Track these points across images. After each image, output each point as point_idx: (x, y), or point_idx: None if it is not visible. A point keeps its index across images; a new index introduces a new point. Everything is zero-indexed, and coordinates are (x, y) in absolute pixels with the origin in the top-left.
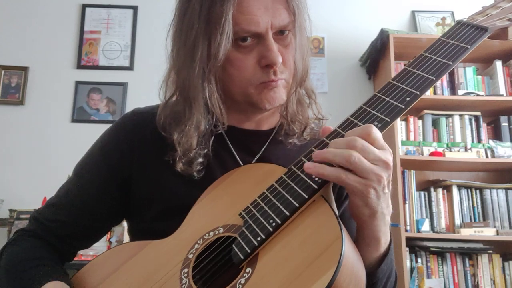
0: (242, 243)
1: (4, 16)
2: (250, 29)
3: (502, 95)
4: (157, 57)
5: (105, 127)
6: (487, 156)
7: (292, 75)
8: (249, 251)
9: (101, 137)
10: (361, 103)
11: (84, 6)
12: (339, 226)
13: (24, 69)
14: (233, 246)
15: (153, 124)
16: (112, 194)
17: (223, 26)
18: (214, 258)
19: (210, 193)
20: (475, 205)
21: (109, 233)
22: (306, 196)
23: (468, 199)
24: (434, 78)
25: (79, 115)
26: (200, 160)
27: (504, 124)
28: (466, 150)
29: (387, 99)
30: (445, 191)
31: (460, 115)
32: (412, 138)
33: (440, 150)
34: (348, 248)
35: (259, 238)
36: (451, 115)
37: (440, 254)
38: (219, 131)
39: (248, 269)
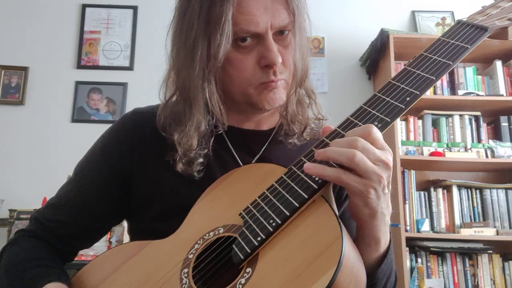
0: (242, 243)
1: (4, 16)
2: (249, 29)
3: (502, 95)
4: (157, 57)
5: (105, 127)
6: (487, 156)
7: (291, 75)
8: (249, 251)
9: (101, 137)
10: (361, 103)
11: (84, 6)
12: (339, 226)
13: (24, 69)
14: (233, 246)
15: (153, 124)
16: (113, 194)
17: (223, 26)
18: (214, 258)
19: (210, 193)
20: (475, 205)
21: (109, 233)
22: (306, 196)
23: (468, 199)
24: (434, 78)
25: (79, 115)
26: (201, 160)
27: (504, 124)
28: (466, 150)
29: (387, 99)
30: (445, 191)
31: (460, 115)
32: (412, 138)
33: (440, 150)
34: (348, 248)
35: (259, 238)
36: (451, 115)
37: (440, 254)
38: (219, 131)
39: (248, 269)
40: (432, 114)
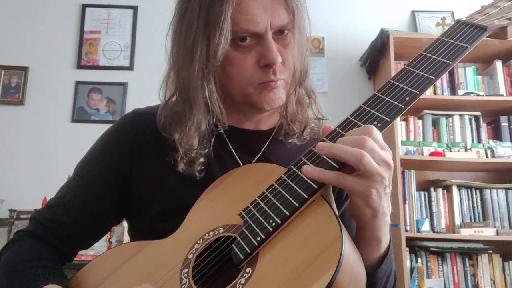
0: (242, 243)
1: (4, 16)
2: (249, 28)
3: (502, 95)
4: (157, 57)
5: (105, 127)
6: (487, 156)
7: (291, 75)
8: (249, 251)
9: (101, 137)
10: (361, 103)
11: (84, 6)
12: (339, 226)
13: (24, 69)
14: (233, 246)
15: (153, 124)
16: (112, 194)
17: (222, 25)
18: (214, 258)
19: (210, 193)
20: (475, 205)
21: (109, 233)
22: (306, 196)
23: (468, 199)
24: (434, 78)
25: (79, 115)
26: (202, 160)
27: (504, 124)
28: (466, 150)
29: (387, 98)
30: (445, 191)
31: (460, 115)
32: (412, 138)
33: (440, 150)
34: (348, 248)
35: (259, 238)
36: (451, 115)
37: (440, 254)
38: (220, 131)
39: (248, 269)
40: (432, 114)
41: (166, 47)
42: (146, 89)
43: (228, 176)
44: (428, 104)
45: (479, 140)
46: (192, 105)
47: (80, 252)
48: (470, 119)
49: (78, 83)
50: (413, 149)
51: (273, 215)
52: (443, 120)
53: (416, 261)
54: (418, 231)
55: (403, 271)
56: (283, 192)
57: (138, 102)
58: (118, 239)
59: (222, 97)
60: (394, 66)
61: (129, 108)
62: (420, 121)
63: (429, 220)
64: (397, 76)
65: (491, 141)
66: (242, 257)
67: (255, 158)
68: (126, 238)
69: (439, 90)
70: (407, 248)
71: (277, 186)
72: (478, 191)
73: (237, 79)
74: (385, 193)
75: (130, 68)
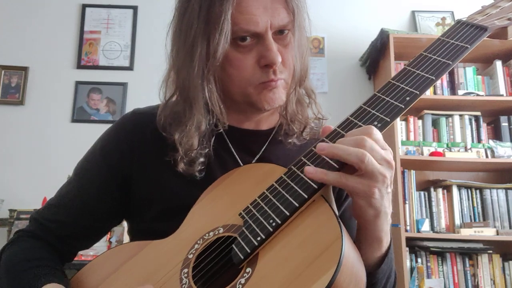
0: (242, 243)
1: (4, 16)
2: (249, 28)
3: (502, 95)
4: (157, 57)
5: (105, 127)
6: (487, 156)
7: (291, 75)
8: (249, 251)
9: (101, 137)
10: (361, 103)
11: (84, 6)
12: (339, 226)
13: (24, 69)
14: (233, 246)
15: (153, 124)
16: (112, 194)
17: (222, 25)
18: (214, 258)
19: (210, 193)
20: (475, 205)
21: (109, 233)
22: (306, 196)
23: (468, 199)
24: (434, 78)
25: (79, 115)
26: (202, 160)
27: (504, 124)
28: (466, 150)
29: (387, 98)
30: (445, 191)
31: (460, 115)
32: (412, 138)
33: (440, 150)
34: (348, 248)
35: (259, 238)
36: (451, 115)
37: (440, 254)
38: (219, 131)
39: (248, 269)
40: (432, 114)
41: (166, 47)
42: (146, 89)
43: (228, 176)
44: (428, 104)
45: (479, 140)
46: (192, 105)
47: (80, 252)
48: (470, 119)
49: (78, 83)
50: (413, 149)
51: (273, 215)
52: (443, 120)
53: (416, 261)
54: (418, 231)
55: (403, 271)
56: (283, 192)
57: (138, 102)
58: (118, 239)
59: (222, 97)
60: (394, 66)
61: (129, 108)
62: (420, 121)
63: (429, 220)
64: (397, 76)
65: (491, 141)
66: (242, 257)
67: (255, 158)
68: (126, 238)
69: (439, 90)
70: (407, 248)
71: (277, 186)
72: (478, 191)
73: (237, 79)
74: (387, 192)
75: (130, 68)
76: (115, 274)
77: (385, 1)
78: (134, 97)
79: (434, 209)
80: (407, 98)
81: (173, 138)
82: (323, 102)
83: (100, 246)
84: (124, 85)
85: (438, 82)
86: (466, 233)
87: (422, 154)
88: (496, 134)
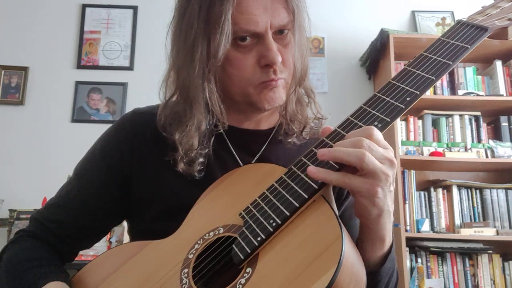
0: (242, 243)
1: (4, 16)
2: (249, 28)
3: (502, 95)
4: (157, 57)
5: (105, 127)
6: (487, 156)
7: (291, 74)
8: (249, 251)
9: (101, 137)
10: (361, 103)
11: (84, 6)
12: (339, 226)
13: (24, 69)
14: (233, 246)
15: (153, 124)
16: (113, 194)
17: (222, 25)
18: (214, 258)
19: (210, 193)
20: (475, 205)
21: (109, 233)
22: (306, 196)
23: (468, 199)
24: (434, 78)
25: (79, 115)
26: (201, 160)
27: (504, 124)
28: (466, 150)
29: (387, 99)
30: (445, 191)
31: (460, 115)
32: (412, 138)
33: (440, 150)
34: (348, 248)
35: (259, 238)
36: (451, 115)
37: (440, 254)
38: (219, 131)
39: (248, 269)
40: (432, 114)
41: (166, 47)
42: (146, 89)
43: (228, 176)
44: (428, 104)
45: (479, 140)
46: (193, 105)
47: (80, 252)
48: (470, 119)
49: (78, 83)
50: (413, 149)
51: (273, 215)
52: (443, 120)
53: (416, 261)
54: (418, 231)
55: (403, 271)
56: (284, 192)
57: (138, 102)
58: (118, 239)
59: (222, 97)
60: (394, 66)
61: (129, 108)
62: (420, 121)
63: (429, 220)
64: (397, 77)
65: (491, 141)
66: (242, 257)
67: (255, 158)
68: (126, 238)
69: (439, 90)
70: (407, 248)
71: (278, 187)
72: (478, 191)
73: (237, 79)
74: (389, 191)
75: (130, 68)
76: (115, 274)
77: (385, 1)
78: (134, 97)
79: (434, 209)
80: (408, 99)
81: (173, 138)
82: (323, 102)
83: (100, 246)
84: (124, 85)
85: (438, 82)
86: (466, 233)
87: (422, 154)
88: (496, 134)
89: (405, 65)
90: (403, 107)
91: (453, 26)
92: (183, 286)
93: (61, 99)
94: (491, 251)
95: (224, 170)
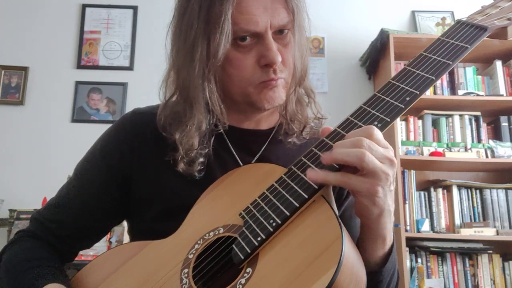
0: (243, 243)
1: (4, 16)
2: (249, 28)
3: (502, 95)
4: (157, 57)
5: (105, 127)
6: (487, 156)
7: (291, 74)
8: (249, 251)
9: (101, 137)
10: (361, 103)
11: (84, 6)
12: (339, 226)
13: (24, 69)
14: (233, 246)
15: (153, 124)
16: (113, 194)
17: (222, 25)
18: (214, 258)
19: (210, 193)
20: (475, 205)
21: (109, 233)
22: (306, 196)
23: (468, 199)
24: (434, 78)
25: (79, 115)
26: (201, 160)
27: (504, 124)
28: (466, 150)
29: (387, 98)
30: (445, 191)
31: (460, 115)
32: (412, 138)
33: (440, 150)
34: (348, 248)
35: (259, 238)
36: (451, 115)
37: (440, 254)
38: (219, 131)
39: (249, 269)
40: (432, 114)
41: (166, 47)
42: (146, 89)
43: (228, 176)
44: (428, 104)
45: (479, 140)
46: (193, 105)
47: (80, 252)
48: (470, 119)
49: (78, 83)
50: (413, 149)
51: (273, 215)
52: (443, 120)
53: (416, 261)
54: (418, 231)
55: (403, 271)
56: (284, 192)
57: (138, 102)
58: (118, 239)
59: (222, 97)
60: (394, 66)
61: (129, 108)
62: (420, 121)
63: (429, 220)
64: (397, 76)
65: (491, 141)
66: (242, 257)
67: (255, 158)
68: (126, 238)
69: (439, 90)
70: (407, 248)
71: (277, 187)
72: (478, 191)
73: (237, 79)
74: (389, 190)
75: (130, 68)
76: (115, 274)
77: (385, 1)
78: (134, 97)
79: (434, 209)
80: (407, 98)
81: (173, 138)
82: (323, 102)
83: (100, 246)
84: (124, 85)
85: (438, 82)
86: (466, 233)
87: (422, 154)
88: (496, 134)
89: (405, 65)
90: (403, 107)
91: (453, 26)
92: (183, 286)
93: (61, 99)
94: (491, 251)
95: (224, 170)
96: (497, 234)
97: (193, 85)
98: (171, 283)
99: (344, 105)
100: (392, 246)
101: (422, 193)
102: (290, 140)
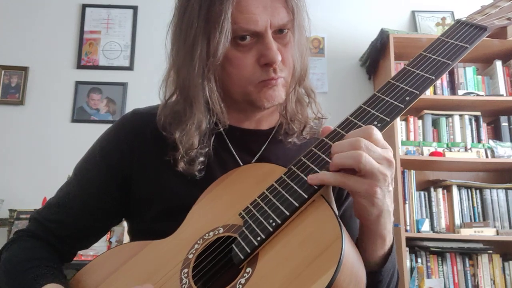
0: (242, 243)
1: (4, 16)
2: (249, 27)
3: (502, 95)
4: (157, 57)
5: (105, 127)
6: (487, 156)
7: (291, 74)
8: (249, 251)
9: (101, 137)
10: (361, 103)
11: (84, 6)
12: (339, 226)
13: (24, 69)
14: (233, 246)
15: (153, 124)
16: (112, 194)
17: (222, 24)
18: (214, 258)
19: (210, 193)
20: (475, 205)
21: (109, 233)
22: (306, 196)
23: (468, 199)
24: (434, 78)
25: (79, 115)
26: (201, 159)
27: (504, 124)
28: (466, 150)
29: (387, 98)
30: (445, 191)
31: (460, 115)
32: (412, 138)
33: (440, 150)
34: (348, 248)
35: (259, 238)
36: (451, 115)
37: (440, 254)
38: (219, 130)
39: (248, 269)
40: (432, 114)
41: (166, 47)
42: (146, 89)
43: (228, 176)
44: (428, 104)
45: (479, 140)
46: (193, 104)
47: (80, 252)
48: (470, 119)
49: (78, 83)
50: (413, 149)
51: (273, 215)
52: (443, 120)
53: (416, 261)
54: (418, 231)
55: (403, 271)
56: (283, 192)
57: (138, 102)
58: (118, 239)
59: (222, 96)
60: (394, 66)
61: (129, 108)
62: (420, 121)
63: (429, 220)
64: (397, 76)
65: (491, 141)
66: (242, 257)
67: (255, 158)
68: (126, 238)
69: (439, 90)
70: (407, 248)
71: (277, 186)
72: (478, 191)
73: (237, 78)
74: (388, 190)
75: (130, 68)
76: (115, 274)
77: (385, 1)
78: (134, 97)
79: (434, 209)
80: (407, 98)
81: (173, 137)
82: (323, 102)
83: (100, 246)
84: (124, 85)
85: (438, 82)
86: (466, 233)
87: (422, 154)
88: (496, 134)
89: (405, 65)
90: (403, 106)
91: (452, 26)
92: (183, 286)
93: (61, 99)
94: (491, 251)
95: (224, 169)
96: (497, 234)
97: (193, 84)
98: (171, 283)
99: (344, 105)
100: (391, 246)
101: (422, 193)
102: (290, 140)
